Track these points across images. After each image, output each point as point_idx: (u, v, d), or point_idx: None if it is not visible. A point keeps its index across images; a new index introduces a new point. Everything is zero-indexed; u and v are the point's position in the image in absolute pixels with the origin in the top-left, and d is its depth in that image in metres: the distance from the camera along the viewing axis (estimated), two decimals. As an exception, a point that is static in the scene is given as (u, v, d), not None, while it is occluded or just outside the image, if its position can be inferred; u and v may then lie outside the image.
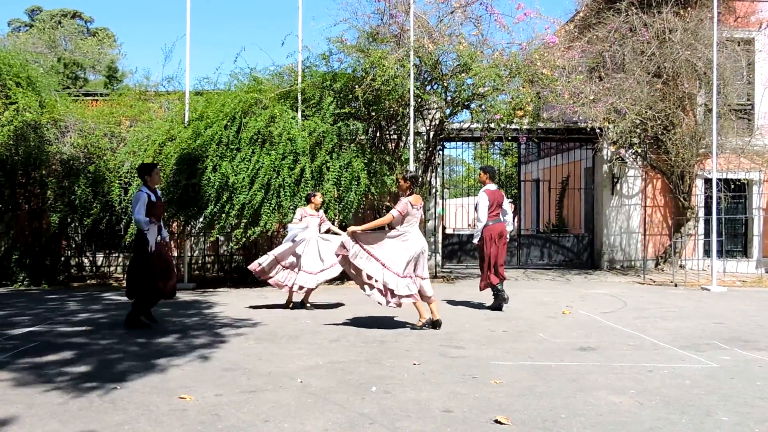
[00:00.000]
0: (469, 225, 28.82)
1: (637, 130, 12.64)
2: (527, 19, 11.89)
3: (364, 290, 6.82)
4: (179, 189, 10.45)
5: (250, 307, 8.57)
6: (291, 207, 10.41)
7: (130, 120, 12.01)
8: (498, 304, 8.39)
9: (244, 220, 10.30)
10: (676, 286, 11.43)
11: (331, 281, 11.57)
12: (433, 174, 13.14)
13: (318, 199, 8.52)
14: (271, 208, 10.22)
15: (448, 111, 12.21)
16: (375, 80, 10.70)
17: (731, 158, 13.19)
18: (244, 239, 10.47)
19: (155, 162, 10.79)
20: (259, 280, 11.88)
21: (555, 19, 12.37)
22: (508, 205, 8.52)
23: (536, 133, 12.92)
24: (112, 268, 12.69)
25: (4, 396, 4.32)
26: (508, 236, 8.49)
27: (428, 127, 12.53)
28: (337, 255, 6.93)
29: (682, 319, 7.77)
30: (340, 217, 10.55)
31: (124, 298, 9.49)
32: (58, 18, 36.31)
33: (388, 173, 11.28)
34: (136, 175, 10.89)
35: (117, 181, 10.92)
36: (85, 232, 11.83)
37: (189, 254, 11.96)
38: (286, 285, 8.15)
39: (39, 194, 11.76)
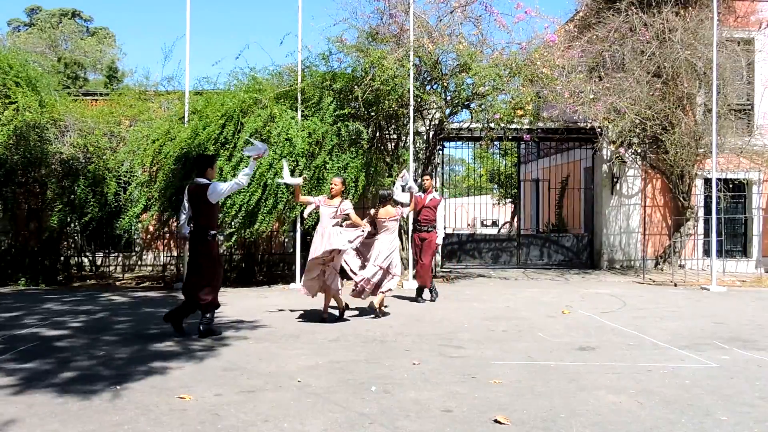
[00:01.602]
0: (468, 225, 28.68)
1: (637, 130, 12.64)
2: (527, 18, 11.91)
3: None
4: (173, 188, 10.43)
5: (250, 307, 8.55)
6: (289, 207, 10.41)
7: (130, 120, 11.98)
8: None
9: (240, 220, 10.28)
10: (675, 285, 11.43)
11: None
12: (433, 174, 13.13)
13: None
14: (267, 208, 10.20)
15: (447, 111, 12.21)
16: (374, 80, 10.69)
17: (731, 158, 13.19)
18: (236, 237, 10.45)
19: (155, 161, 10.80)
20: (258, 280, 11.94)
21: (555, 19, 12.38)
22: None
23: (536, 132, 12.92)
24: (111, 268, 12.68)
25: (4, 396, 4.32)
26: None
27: (428, 127, 12.53)
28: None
29: (682, 319, 7.77)
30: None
31: (124, 298, 9.50)
32: (58, 17, 36.30)
33: (388, 173, 11.28)
34: (135, 174, 10.90)
35: (115, 181, 10.89)
36: (85, 231, 11.79)
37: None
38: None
39: (39, 194, 11.74)
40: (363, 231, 7.41)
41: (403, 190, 8.12)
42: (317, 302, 8.89)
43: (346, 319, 7.46)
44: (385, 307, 7.98)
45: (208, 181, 6.42)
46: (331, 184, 7.65)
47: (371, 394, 4.43)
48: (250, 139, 7.22)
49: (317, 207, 7.62)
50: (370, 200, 11.78)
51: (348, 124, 10.91)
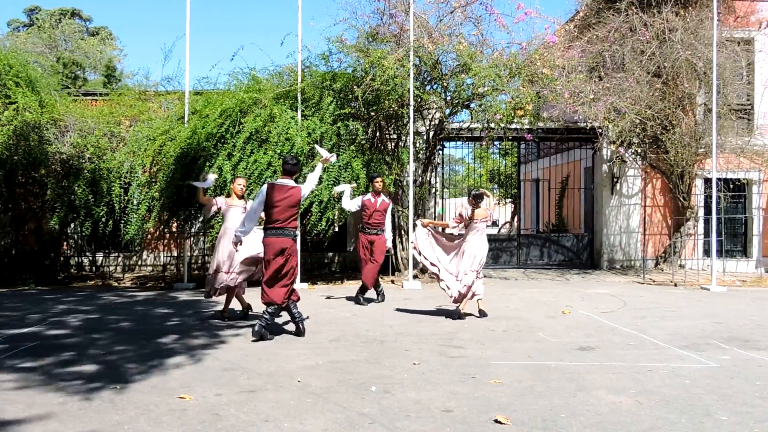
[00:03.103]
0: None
1: (637, 130, 12.64)
2: (527, 18, 11.91)
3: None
4: (172, 188, 10.44)
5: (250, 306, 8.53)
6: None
7: (130, 120, 11.99)
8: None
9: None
10: (675, 285, 11.43)
11: (329, 280, 11.59)
12: (433, 174, 13.14)
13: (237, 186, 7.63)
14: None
15: (447, 111, 12.21)
16: (375, 80, 10.69)
17: (731, 158, 13.20)
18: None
19: (155, 162, 10.80)
20: (258, 280, 11.89)
21: (555, 19, 12.38)
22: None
23: (536, 132, 12.92)
24: (111, 268, 12.68)
25: (4, 396, 4.32)
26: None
27: (428, 127, 12.53)
28: None
29: (682, 319, 7.77)
30: (339, 216, 10.56)
31: (124, 298, 9.49)
32: (57, 16, 36.31)
33: (388, 173, 11.28)
34: (135, 175, 10.90)
35: (117, 181, 10.90)
36: (87, 233, 11.76)
37: (189, 254, 11.96)
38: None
39: (39, 194, 11.74)
40: None
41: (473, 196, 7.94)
42: (316, 302, 8.91)
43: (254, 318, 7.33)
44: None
45: (297, 184, 6.46)
46: (237, 183, 7.55)
47: (371, 394, 4.43)
48: (318, 147, 7.29)
49: (219, 209, 7.52)
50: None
51: (348, 124, 10.91)
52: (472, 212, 7.55)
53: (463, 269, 7.51)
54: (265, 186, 6.35)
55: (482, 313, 7.72)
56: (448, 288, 7.62)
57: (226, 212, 7.51)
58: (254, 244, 7.03)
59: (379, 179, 8.96)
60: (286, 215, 6.26)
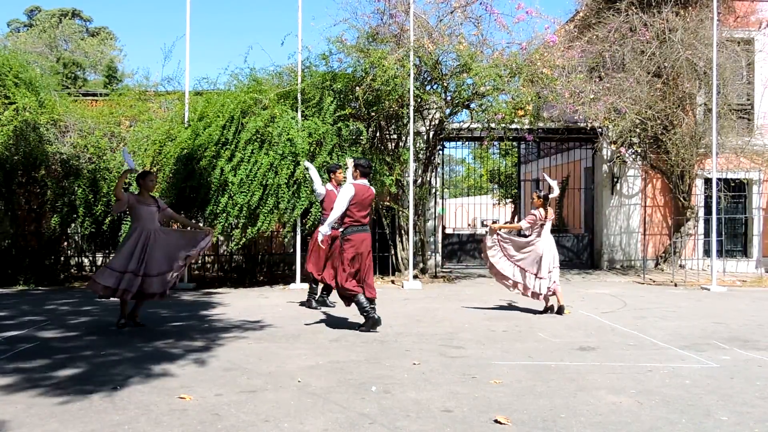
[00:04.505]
0: (468, 225, 28.70)
1: (637, 130, 12.65)
2: (527, 18, 11.88)
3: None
4: (176, 190, 10.43)
5: (251, 306, 8.55)
6: (290, 207, 10.39)
7: (130, 120, 11.97)
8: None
9: (243, 221, 10.29)
10: (675, 285, 11.43)
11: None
12: (433, 174, 13.13)
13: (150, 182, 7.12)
14: (269, 208, 10.20)
15: (447, 111, 12.21)
16: (375, 80, 10.69)
17: (731, 158, 13.20)
18: (244, 239, 10.46)
19: (155, 162, 10.80)
20: (259, 280, 11.93)
21: (555, 19, 12.36)
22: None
23: (536, 132, 12.92)
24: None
25: (4, 396, 4.32)
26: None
27: (428, 127, 12.53)
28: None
29: (682, 319, 7.77)
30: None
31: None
32: (57, 17, 36.32)
33: (388, 173, 11.27)
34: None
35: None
36: (87, 233, 11.74)
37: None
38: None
39: (39, 194, 11.73)
40: (207, 236, 7.08)
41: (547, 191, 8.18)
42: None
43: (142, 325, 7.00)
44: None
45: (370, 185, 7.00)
46: (149, 180, 7.07)
47: (371, 394, 4.43)
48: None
49: (130, 206, 6.88)
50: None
51: (348, 124, 10.91)
52: (546, 212, 7.87)
53: (546, 267, 7.84)
54: (352, 187, 6.71)
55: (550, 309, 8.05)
56: (527, 289, 8.02)
57: (137, 210, 6.88)
58: (172, 245, 6.88)
59: (339, 171, 8.41)
60: (366, 212, 6.87)
